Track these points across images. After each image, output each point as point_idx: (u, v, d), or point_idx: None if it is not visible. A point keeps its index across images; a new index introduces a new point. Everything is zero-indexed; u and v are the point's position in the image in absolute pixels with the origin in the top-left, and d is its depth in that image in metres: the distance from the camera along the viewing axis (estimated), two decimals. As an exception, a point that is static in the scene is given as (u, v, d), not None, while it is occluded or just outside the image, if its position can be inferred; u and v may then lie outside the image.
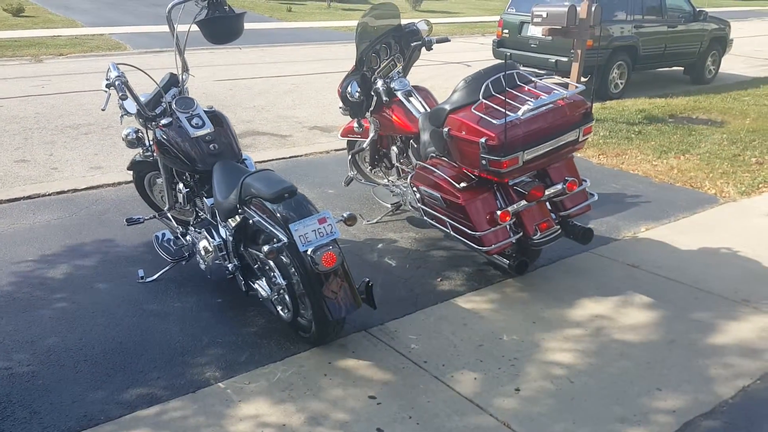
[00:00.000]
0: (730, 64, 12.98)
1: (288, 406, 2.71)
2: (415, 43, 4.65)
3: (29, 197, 5.08)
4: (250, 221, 3.06)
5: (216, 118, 3.66)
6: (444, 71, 11.51)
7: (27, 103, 8.23)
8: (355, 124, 4.74)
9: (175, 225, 3.88)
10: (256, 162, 5.97)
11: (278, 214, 2.85)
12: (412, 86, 4.50)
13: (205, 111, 3.67)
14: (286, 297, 3.04)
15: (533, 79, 3.57)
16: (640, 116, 8.06)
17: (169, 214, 3.94)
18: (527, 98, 3.36)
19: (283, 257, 2.94)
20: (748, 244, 4.36)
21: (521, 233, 3.59)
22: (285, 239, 2.83)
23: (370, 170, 5.00)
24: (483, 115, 3.35)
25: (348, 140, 5.19)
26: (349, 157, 5.00)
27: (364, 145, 4.80)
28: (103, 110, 3.55)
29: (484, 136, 3.29)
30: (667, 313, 3.49)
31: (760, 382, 2.92)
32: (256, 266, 3.21)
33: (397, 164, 4.59)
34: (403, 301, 3.59)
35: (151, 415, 2.65)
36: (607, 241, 4.42)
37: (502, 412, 2.71)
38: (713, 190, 5.45)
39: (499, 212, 3.44)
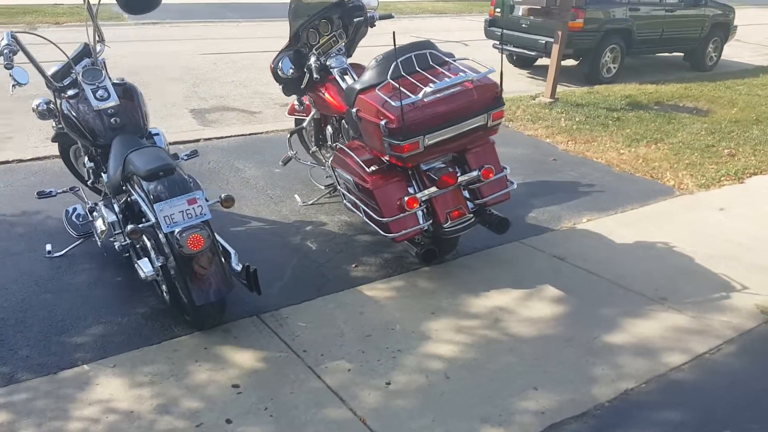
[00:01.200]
0: (737, 51, 12.57)
1: (144, 391, 2.64)
2: (357, 20, 4.48)
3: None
4: (131, 199, 2.97)
5: (126, 91, 3.57)
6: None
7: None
8: (296, 102, 4.62)
9: (86, 200, 3.80)
10: (215, 138, 5.92)
11: (150, 193, 2.75)
12: (351, 64, 4.35)
13: (114, 83, 3.57)
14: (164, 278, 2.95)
15: (448, 60, 3.41)
16: (623, 102, 7.82)
17: (80, 189, 3.87)
18: (436, 81, 3.21)
19: (157, 238, 2.86)
20: (688, 239, 4.19)
21: (432, 221, 3.45)
22: (153, 219, 2.73)
23: (317, 150, 4.88)
24: (387, 97, 3.21)
25: (295, 118, 5.06)
26: (288, 135, 4.88)
27: (304, 124, 4.69)
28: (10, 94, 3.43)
29: (385, 119, 3.15)
30: (575, 309, 3.36)
31: (645, 386, 2.79)
32: (138, 246, 3.13)
33: (332, 145, 4.46)
34: (310, 286, 3.51)
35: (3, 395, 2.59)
36: (542, 231, 4.27)
37: (364, 406, 2.61)
38: (672, 182, 5.25)
39: (406, 198, 3.30)
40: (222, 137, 6.01)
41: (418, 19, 15.95)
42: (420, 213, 3.45)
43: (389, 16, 4.68)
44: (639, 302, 3.44)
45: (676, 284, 3.61)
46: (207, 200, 2.83)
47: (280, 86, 4.42)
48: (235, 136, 6.09)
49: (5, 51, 3.18)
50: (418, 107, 3.15)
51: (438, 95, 3.19)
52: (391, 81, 3.27)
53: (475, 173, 3.48)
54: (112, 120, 3.39)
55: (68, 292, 3.36)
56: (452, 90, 3.22)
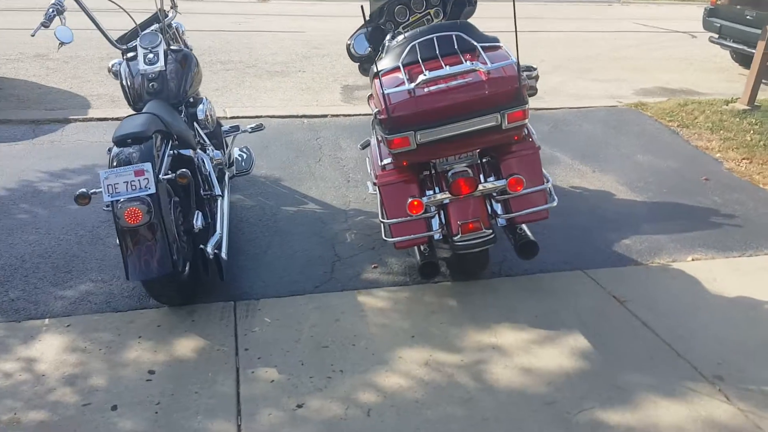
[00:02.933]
0: None
1: (71, 357, 2.66)
2: None
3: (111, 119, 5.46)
4: None
5: (179, 58, 3.59)
6: (655, 40, 9.99)
7: (211, 36, 8.89)
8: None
9: None
10: (342, 114, 5.79)
11: (110, 160, 2.72)
12: None
13: (171, 49, 3.61)
14: None
15: (476, 45, 2.88)
16: None
17: None
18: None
19: None
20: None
21: (445, 231, 3.00)
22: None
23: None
24: (391, 84, 2.83)
25: None
26: (372, 119, 4.61)
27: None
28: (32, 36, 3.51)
29: (378, 108, 2.78)
30: (591, 367, 2.70)
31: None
32: None
33: None
34: (310, 281, 3.30)
35: (-42, 332, 2.76)
36: (622, 263, 3.53)
37: (254, 426, 2.34)
38: None
39: (409, 200, 2.90)
40: (348, 115, 5.89)
41: (653, 6, 14.34)
42: (434, 220, 3.00)
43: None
44: (683, 375, 2.66)
45: (747, 363, 2.73)
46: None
47: (357, 65, 4.15)
48: (360, 115, 5.93)
49: (49, 10, 3.34)
50: (413, 98, 2.71)
51: (438, 86, 2.70)
52: (401, 66, 2.85)
53: (501, 183, 2.92)
54: (150, 84, 3.42)
55: (93, 247, 3.50)
56: (457, 81, 2.71)
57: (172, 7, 3.87)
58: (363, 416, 2.41)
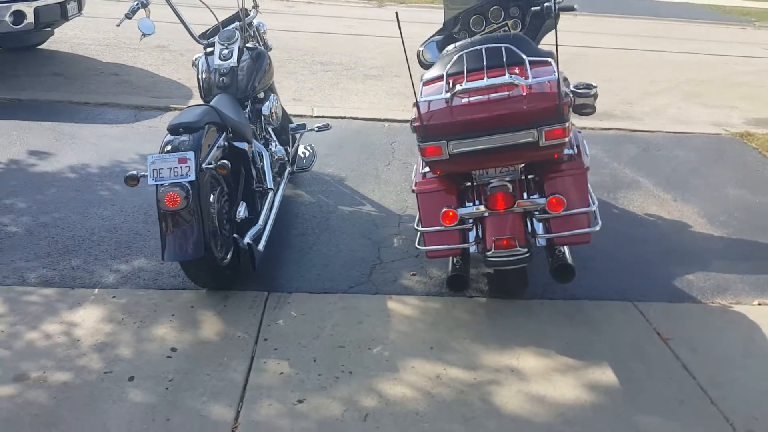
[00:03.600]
0: None
1: (107, 327, 2.85)
2: (534, 8, 3.99)
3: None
4: None
5: (253, 56, 3.75)
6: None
7: (318, 38, 9.16)
8: None
9: None
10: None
11: (163, 146, 2.90)
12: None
13: (247, 47, 3.79)
14: None
15: (525, 59, 2.82)
16: None
17: None
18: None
19: None
20: None
21: (480, 245, 2.98)
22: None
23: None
24: (429, 93, 2.83)
25: None
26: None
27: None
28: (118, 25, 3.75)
29: (414, 116, 2.80)
30: (611, 404, 2.58)
31: None
32: None
33: None
34: (344, 281, 3.34)
35: (17, 293, 3.04)
36: (678, 299, 3.34)
37: (252, 416, 2.43)
38: None
39: (443, 210, 2.90)
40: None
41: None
42: (470, 233, 2.97)
43: (570, 8, 4.02)
44: (710, 424, 2.48)
45: (790, 422, 2.50)
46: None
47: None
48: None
49: (134, 3, 3.59)
50: (448, 108, 2.69)
51: (475, 97, 2.67)
52: (445, 75, 2.84)
53: (540, 201, 2.85)
54: (221, 79, 3.61)
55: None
56: (496, 94, 2.67)
57: (253, 7, 4.04)
58: (359, 420, 2.42)
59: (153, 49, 7.60)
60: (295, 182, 4.32)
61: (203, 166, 2.84)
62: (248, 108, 3.68)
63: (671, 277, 3.52)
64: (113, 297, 3.05)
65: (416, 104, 2.66)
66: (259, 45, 4.00)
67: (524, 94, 2.64)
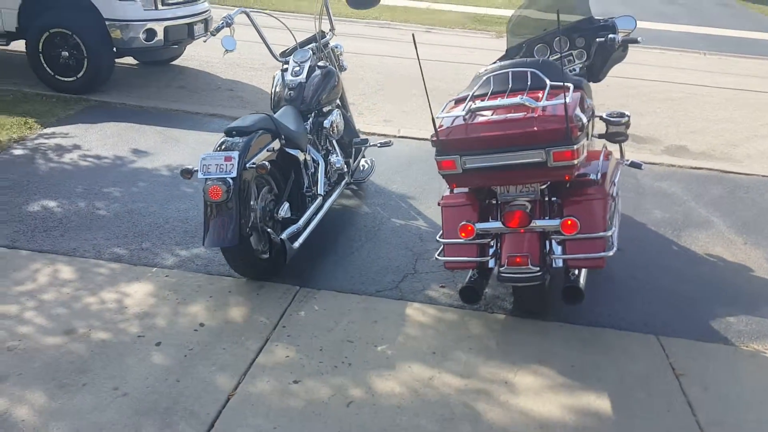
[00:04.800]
0: None
1: (150, 300, 3.24)
2: (599, 40, 4.09)
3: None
4: None
5: (322, 74, 4.12)
6: None
7: (436, 66, 9.42)
8: None
9: None
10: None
11: (216, 145, 3.29)
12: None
13: (318, 65, 4.17)
14: None
15: (547, 83, 2.95)
16: None
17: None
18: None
19: None
20: None
21: (496, 260, 3.12)
22: None
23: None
24: (449, 110, 3.04)
25: None
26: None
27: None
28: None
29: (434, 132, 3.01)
30: (595, 425, 2.62)
31: None
32: None
33: None
34: (375, 284, 3.54)
35: (90, 264, 3.53)
36: (708, 338, 3.27)
37: (249, 389, 2.70)
38: None
39: (462, 223, 3.08)
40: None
41: None
42: (491, 249, 3.12)
43: (634, 41, 4.05)
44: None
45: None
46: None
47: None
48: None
49: (221, 22, 4.05)
50: (463, 125, 2.87)
51: (490, 116, 2.83)
52: (470, 96, 3.03)
53: (554, 223, 2.95)
54: (288, 93, 3.99)
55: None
56: (509, 114, 2.81)
57: (330, 30, 4.40)
58: (342, 405, 2.62)
59: (270, 69, 8.21)
60: (358, 193, 4.60)
61: (247, 165, 3.17)
62: (310, 120, 4.01)
63: (710, 316, 3.42)
64: (166, 276, 3.45)
65: (433, 120, 2.84)
66: (332, 65, 4.34)
67: (534, 115, 2.75)
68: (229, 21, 4.01)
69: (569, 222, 2.88)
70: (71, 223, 3.93)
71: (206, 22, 7.48)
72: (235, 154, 3.12)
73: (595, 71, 4.21)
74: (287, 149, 3.58)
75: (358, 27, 11.53)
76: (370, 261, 3.76)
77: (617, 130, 3.40)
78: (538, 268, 2.94)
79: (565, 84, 2.89)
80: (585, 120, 2.78)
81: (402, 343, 3.03)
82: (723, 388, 2.86)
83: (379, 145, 4.51)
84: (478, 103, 2.87)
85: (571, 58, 4.07)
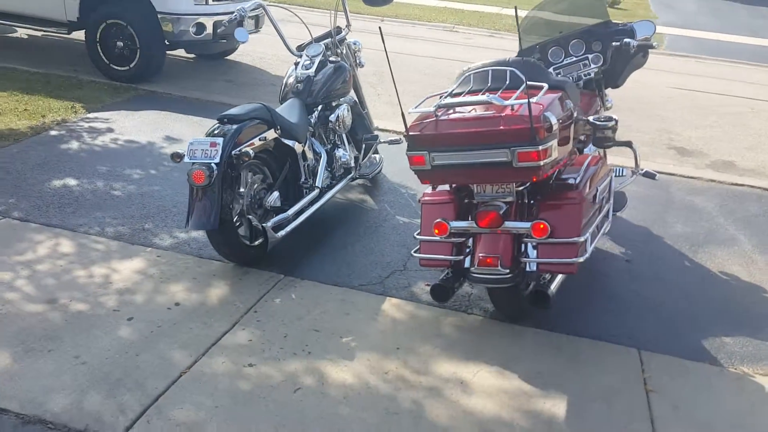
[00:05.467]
0: None
1: (137, 277, 3.37)
2: (615, 44, 3.98)
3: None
4: None
5: (333, 69, 4.18)
6: None
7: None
8: None
9: None
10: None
11: (207, 131, 3.39)
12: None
13: (330, 61, 4.23)
14: None
15: (525, 83, 2.89)
16: None
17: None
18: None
19: None
20: None
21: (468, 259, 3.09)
22: None
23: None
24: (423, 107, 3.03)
25: None
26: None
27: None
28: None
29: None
30: (542, 435, 2.54)
31: None
32: None
33: None
34: (360, 278, 3.55)
35: (90, 240, 3.71)
36: (696, 357, 3.12)
37: (204, 367, 2.77)
38: None
39: (436, 221, 3.07)
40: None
41: None
42: (466, 248, 3.09)
43: (650, 46, 3.91)
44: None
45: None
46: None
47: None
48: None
49: (234, 14, 4.16)
50: (432, 121, 2.85)
51: (458, 114, 2.80)
52: (448, 93, 3.01)
53: (525, 225, 2.89)
54: (296, 86, 4.07)
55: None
56: (478, 112, 2.77)
57: (346, 26, 4.45)
58: (289, 391, 2.64)
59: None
60: (371, 190, 4.62)
61: (233, 152, 3.24)
62: (316, 113, 4.06)
63: (705, 335, 3.26)
64: (158, 256, 3.57)
65: (403, 115, 2.83)
66: (347, 61, 4.38)
67: (501, 114, 2.70)
68: (243, 13, 4.11)
69: (540, 225, 2.81)
70: (86, 202, 4.12)
71: (257, 19, 7.66)
72: (220, 140, 3.19)
73: (614, 76, 4.08)
74: (283, 139, 3.63)
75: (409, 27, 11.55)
76: (362, 255, 3.77)
77: (604, 134, 3.30)
78: (507, 270, 2.88)
79: (542, 84, 2.83)
80: (555, 121, 2.70)
81: (368, 336, 3.02)
82: (694, 408, 2.72)
83: (388, 142, 4.51)
84: (448, 100, 2.83)
85: (586, 62, 3.95)
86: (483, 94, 2.87)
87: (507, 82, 2.89)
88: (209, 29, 6.97)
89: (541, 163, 2.66)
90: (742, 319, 3.42)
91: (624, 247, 4.14)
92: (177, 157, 3.31)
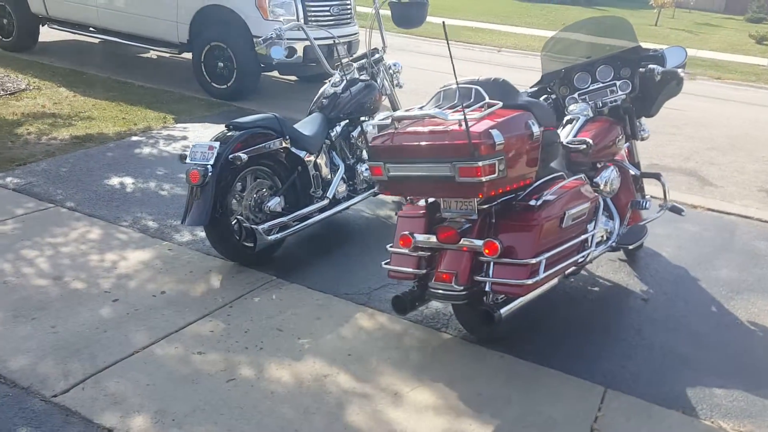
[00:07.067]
0: None
1: (139, 266, 3.65)
2: (641, 70, 3.85)
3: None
4: None
5: (362, 86, 4.36)
6: None
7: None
8: None
9: None
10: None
11: (213, 136, 3.65)
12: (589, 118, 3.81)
13: (360, 79, 4.42)
14: None
15: (485, 101, 2.89)
16: None
17: None
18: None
19: None
20: None
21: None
22: None
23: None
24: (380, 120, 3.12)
25: None
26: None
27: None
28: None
29: (371, 138, 3.08)
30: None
31: None
32: None
33: None
34: (348, 287, 3.61)
35: (119, 230, 4.08)
36: (671, 404, 2.88)
37: (160, 352, 2.97)
38: None
39: (402, 233, 3.12)
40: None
41: None
42: (433, 262, 3.11)
43: (675, 74, 3.71)
44: None
45: None
46: None
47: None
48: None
49: (271, 33, 4.42)
50: (388, 133, 2.91)
51: (413, 128, 2.84)
52: (415, 109, 3.06)
53: (478, 243, 2.87)
54: (321, 101, 4.27)
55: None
56: (430, 127, 2.80)
57: (383, 47, 4.59)
58: (222, 380, 2.76)
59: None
60: (387, 204, 4.67)
61: (230, 156, 3.46)
62: (338, 128, 4.21)
63: (695, 383, 3.01)
64: (168, 249, 3.85)
65: (361, 126, 2.90)
66: (381, 80, 4.51)
67: (446, 129, 2.70)
68: (279, 33, 4.37)
69: (490, 244, 2.75)
70: (132, 198, 4.52)
71: (350, 45, 7.99)
72: (217, 144, 3.42)
73: (647, 105, 3.90)
74: (293, 149, 3.81)
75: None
76: (362, 266, 3.83)
77: (576, 159, 3.17)
78: (462, 288, 2.84)
79: (497, 102, 2.80)
80: (500, 140, 2.64)
81: (326, 340, 3.08)
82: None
83: None
84: (399, 113, 2.88)
85: (614, 88, 3.82)
86: (449, 109, 2.87)
87: (471, 99, 2.88)
88: (300, 53, 7.35)
89: (484, 179, 2.61)
90: (748, 372, 3.10)
91: (648, 285, 3.88)
92: (183, 158, 3.57)
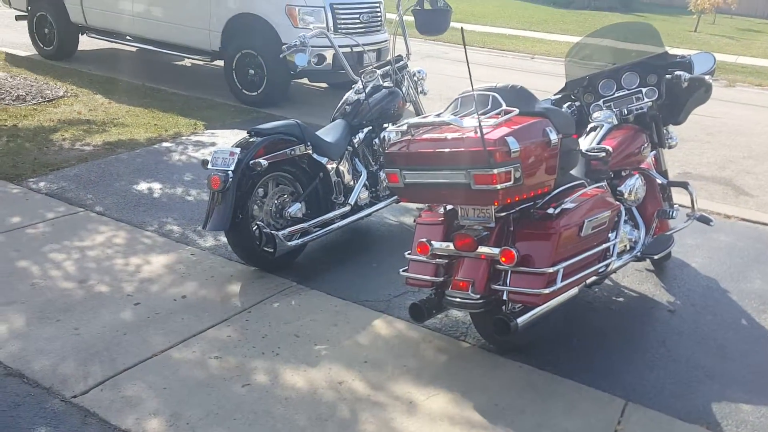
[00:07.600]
0: None
1: (161, 270, 3.70)
2: (669, 76, 3.79)
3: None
4: None
5: (385, 93, 4.38)
6: None
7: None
8: None
9: None
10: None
11: (236, 142, 3.70)
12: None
13: (383, 86, 4.44)
14: None
15: (503, 109, 2.86)
16: None
17: None
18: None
19: None
20: None
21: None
22: None
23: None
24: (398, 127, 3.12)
25: None
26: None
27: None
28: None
29: (390, 145, 3.08)
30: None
31: None
32: None
33: None
34: (368, 294, 3.60)
35: (144, 235, 4.15)
36: (694, 418, 2.82)
37: (179, 352, 3.02)
38: None
39: (420, 240, 3.12)
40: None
41: None
42: (451, 270, 3.09)
43: (702, 80, 3.64)
44: None
45: None
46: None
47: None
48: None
49: (295, 41, 4.45)
50: (404, 140, 2.90)
51: (430, 134, 2.83)
52: (432, 116, 3.06)
53: (495, 251, 2.84)
54: (344, 107, 4.30)
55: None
56: (447, 134, 2.79)
57: (407, 54, 4.60)
58: (237, 385, 2.78)
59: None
60: (411, 211, 4.66)
61: (250, 162, 3.49)
62: (361, 135, 4.22)
63: (719, 398, 2.92)
64: (191, 254, 3.90)
65: (382, 135, 2.90)
66: (406, 87, 4.51)
67: (462, 136, 2.68)
68: (303, 40, 4.39)
69: (507, 252, 2.73)
70: (159, 203, 4.59)
71: (379, 52, 8.01)
72: (237, 150, 3.46)
73: (675, 112, 3.83)
74: (315, 156, 3.83)
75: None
76: (383, 274, 3.82)
77: (596, 167, 3.11)
78: (479, 296, 2.82)
79: (514, 110, 2.77)
80: (516, 147, 2.61)
81: (343, 347, 3.08)
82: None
83: None
84: (415, 120, 2.87)
85: (639, 95, 3.75)
86: (465, 116, 2.86)
87: (489, 106, 2.86)
88: (328, 60, 7.39)
89: (499, 187, 2.59)
90: (775, 386, 3.00)
91: (675, 296, 3.80)
92: (205, 163, 3.62)
